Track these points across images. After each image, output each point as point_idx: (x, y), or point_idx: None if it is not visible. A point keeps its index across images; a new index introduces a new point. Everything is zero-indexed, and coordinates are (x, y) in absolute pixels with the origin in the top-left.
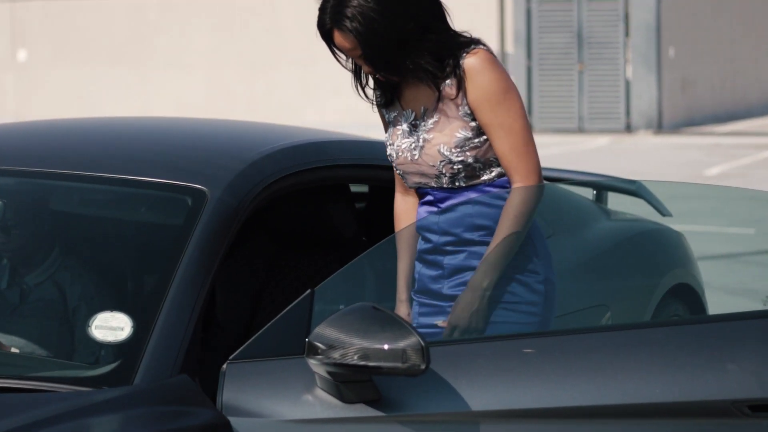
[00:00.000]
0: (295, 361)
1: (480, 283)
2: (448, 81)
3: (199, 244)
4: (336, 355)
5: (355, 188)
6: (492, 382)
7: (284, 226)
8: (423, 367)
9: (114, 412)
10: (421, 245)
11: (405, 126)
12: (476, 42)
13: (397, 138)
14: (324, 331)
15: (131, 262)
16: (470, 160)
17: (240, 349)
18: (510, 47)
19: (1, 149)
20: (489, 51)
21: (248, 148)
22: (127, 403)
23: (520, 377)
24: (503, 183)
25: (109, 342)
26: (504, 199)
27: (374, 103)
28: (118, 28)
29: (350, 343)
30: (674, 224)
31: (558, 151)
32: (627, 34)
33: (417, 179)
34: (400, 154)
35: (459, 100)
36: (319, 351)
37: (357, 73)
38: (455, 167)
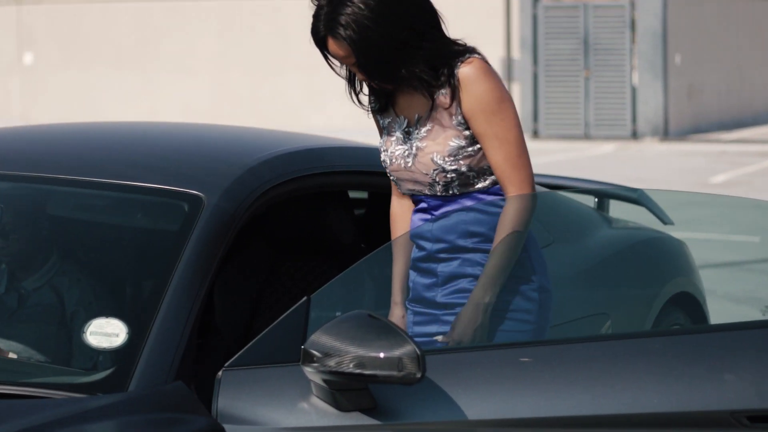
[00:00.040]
0: (290, 368)
1: (481, 298)
2: (442, 90)
3: (196, 250)
4: (332, 363)
5: (354, 194)
6: (489, 391)
7: (283, 233)
8: (419, 375)
9: (108, 419)
10: (415, 253)
11: (398, 133)
12: (471, 50)
13: (391, 145)
14: (320, 339)
15: (127, 268)
16: (464, 168)
17: (235, 357)
18: (516, 53)
19: (4, 154)
20: (484, 60)
21: (246, 154)
22: (121, 410)
23: (517, 386)
24: (497, 190)
25: (104, 348)
26: (498, 206)
27: (368, 109)
28: (125, 32)
29: (346, 351)
30: (679, 231)
31: (563, 158)
32: (633, 40)
33: (411, 186)
34: (393, 161)
35: (453, 110)
36: (315, 359)
37: (351, 80)
38: (448, 176)
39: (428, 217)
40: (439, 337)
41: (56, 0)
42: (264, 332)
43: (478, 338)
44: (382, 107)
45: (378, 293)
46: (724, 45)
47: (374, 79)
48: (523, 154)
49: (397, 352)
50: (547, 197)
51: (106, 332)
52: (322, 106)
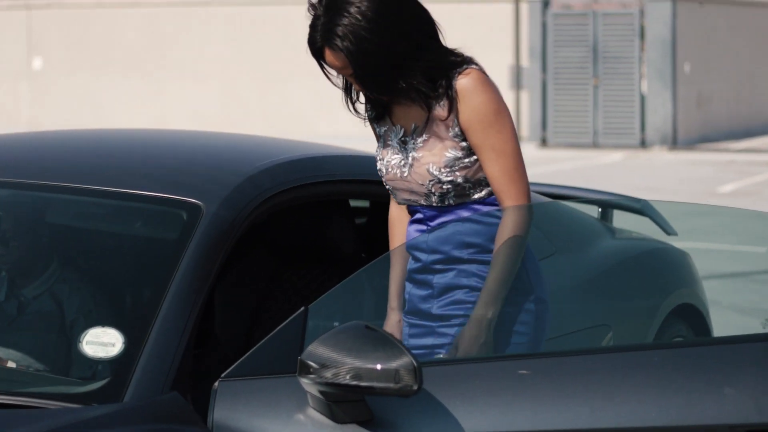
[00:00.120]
0: (287, 379)
1: (484, 314)
2: (439, 101)
3: (194, 259)
4: (328, 374)
5: (355, 203)
6: (486, 403)
7: (284, 241)
8: (415, 387)
9: (102, 430)
10: (411, 264)
11: (394, 142)
12: (468, 61)
13: (387, 154)
14: (316, 350)
15: (125, 277)
16: (460, 180)
17: (232, 367)
18: (525, 61)
19: (2, 161)
20: (481, 70)
21: (245, 162)
22: (116, 421)
23: (515, 399)
24: (493, 201)
25: (100, 358)
26: (494, 216)
27: (365, 118)
28: (134, 38)
29: (343, 363)
30: (685, 241)
31: (571, 166)
32: (642, 48)
33: (406, 196)
34: (389, 170)
35: (450, 121)
36: (312, 370)
37: (347, 89)
38: (444, 187)
39: (424, 228)
40: (442, 355)
41: (65, 5)
42: (261, 343)
43: (483, 355)
44: (379, 116)
45: (377, 303)
46: (733, 54)
47: (371, 91)
48: (519, 167)
49: (394, 364)
50: (549, 207)
51: (103, 342)
52: (329, 113)
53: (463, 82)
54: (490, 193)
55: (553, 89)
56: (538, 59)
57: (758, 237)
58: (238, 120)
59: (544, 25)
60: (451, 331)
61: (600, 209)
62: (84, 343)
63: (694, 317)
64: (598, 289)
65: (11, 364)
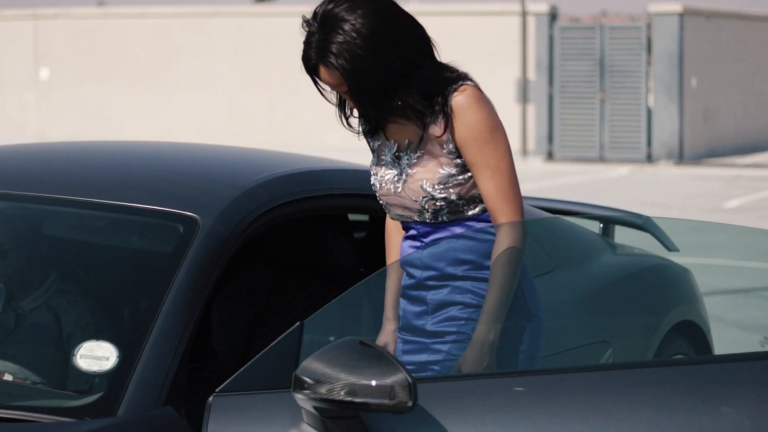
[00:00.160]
0: (282, 394)
1: (486, 337)
2: (434, 117)
3: (189, 272)
4: (323, 390)
5: (354, 217)
6: (481, 420)
7: (282, 255)
8: (410, 404)
9: None
10: (405, 281)
11: (388, 157)
12: (464, 77)
13: (381, 169)
14: (311, 366)
15: (120, 290)
16: (453, 197)
17: (226, 382)
18: (532, 74)
19: None
20: (477, 87)
21: (243, 176)
22: None
23: (511, 416)
24: (487, 218)
25: (94, 372)
26: (488, 233)
27: (359, 132)
28: (141, 49)
29: (337, 378)
30: (688, 257)
31: (577, 180)
32: (649, 62)
33: (400, 212)
34: (383, 185)
35: (445, 138)
36: (306, 386)
37: (341, 105)
38: (438, 203)
39: (418, 244)
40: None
41: (73, 15)
42: (256, 357)
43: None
44: (372, 130)
45: (374, 318)
46: (740, 69)
47: (366, 108)
48: (514, 184)
49: (388, 380)
50: (550, 223)
51: (97, 355)
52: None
53: (459, 99)
54: (484, 210)
55: (560, 103)
56: (544, 72)
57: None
58: (245, 131)
59: (551, 39)
60: (445, 347)
61: (601, 224)
62: (78, 356)
63: (694, 334)
64: (598, 305)
65: (8, 377)
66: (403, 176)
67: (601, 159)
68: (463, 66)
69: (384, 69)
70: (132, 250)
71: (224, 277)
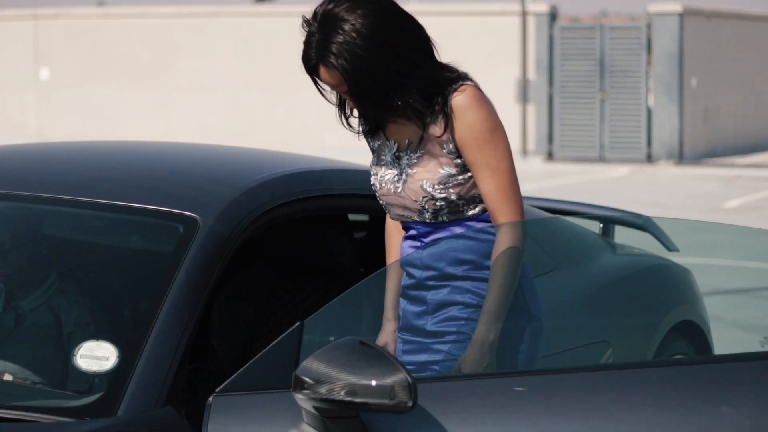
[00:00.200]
0: (282, 394)
1: (486, 337)
2: (434, 117)
3: (189, 272)
4: (323, 390)
5: (355, 217)
6: (481, 420)
7: (283, 255)
8: (410, 404)
9: None
10: (405, 281)
11: (388, 157)
12: (464, 77)
13: (381, 169)
14: (311, 366)
15: (120, 290)
16: (453, 197)
17: (226, 382)
18: (532, 74)
19: None
20: (476, 87)
21: (243, 176)
22: None
23: (511, 416)
24: (487, 218)
25: (94, 372)
26: (488, 233)
27: (359, 132)
28: (141, 49)
29: (337, 378)
30: (688, 257)
31: (577, 180)
32: (649, 62)
33: (400, 212)
34: (383, 185)
35: (445, 138)
36: (306, 386)
37: (341, 105)
38: (438, 203)
39: (418, 244)
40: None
41: (73, 15)
42: (256, 357)
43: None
44: (372, 130)
45: (374, 318)
46: (740, 69)
47: (366, 108)
48: (514, 184)
49: (388, 380)
50: (550, 223)
51: (97, 355)
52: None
53: (459, 99)
54: (484, 210)
55: (560, 103)
56: (544, 72)
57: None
58: (245, 131)
59: (551, 39)
60: (445, 347)
61: (601, 225)
62: (78, 356)
63: (694, 334)
64: (598, 305)
65: (8, 377)
66: (403, 176)
67: (601, 159)
68: (463, 66)
69: (384, 69)
70: (132, 250)
71: (224, 277)
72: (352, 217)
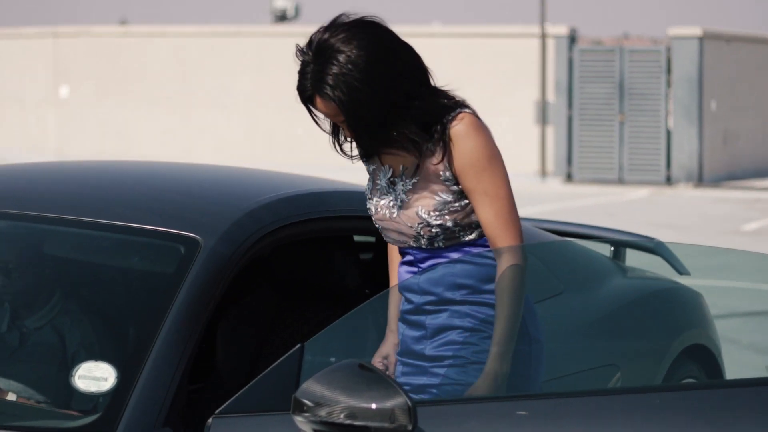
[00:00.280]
0: (282, 417)
1: (498, 369)
2: (431, 145)
3: (190, 294)
4: (322, 412)
5: (361, 239)
6: None
7: (288, 276)
8: (410, 427)
9: None
10: (404, 306)
11: (383, 182)
12: (461, 105)
13: (377, 193)
14: (311, 388)
15: (119, 311)
16: (449, 223)
17: (226, 404)
18: (551, 96)
19: (1, 192)
20: (474, 114)
21: (246, 197)
22: None
23: None
24: (484, 242)
25: (92, 392)
26: (486, 257)
27: (353, 158)
28: (161, 68)
29: (337, 401)
30: (704, 279)
31: (595, 202)
32: (669, 85)
33: (395, 237)
34: (378, 210)
35: (442, 165)
36: (306, 408)
37: (335, 132)
38: (433, 230)
39: (415, 269)
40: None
41: (93, 33)
42: (256, 379)
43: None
44: (367, 154)
45: (377, 341)
46: (760, 92)
47: (363, 140)
48: (513, 211)
49: (388, 404)
50: (559, 246)
51: (95, 376)
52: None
53: (458, 128)
54: (481, 235)
55: (579, 125)
56: (564, 95)
57: None
58: (264, 150)
59: (570, 61)
60: (444, 371)
61: (612, 248)
62: (76, 377)
63: (705, 358)
64: (607, 328)
65: (11, 396)
66: (399, 202)
67: (620, 181)
68: (483, 87)
69: (380, 100)
70: (133, 271)
71: (230, 298)
72: (358, 238)
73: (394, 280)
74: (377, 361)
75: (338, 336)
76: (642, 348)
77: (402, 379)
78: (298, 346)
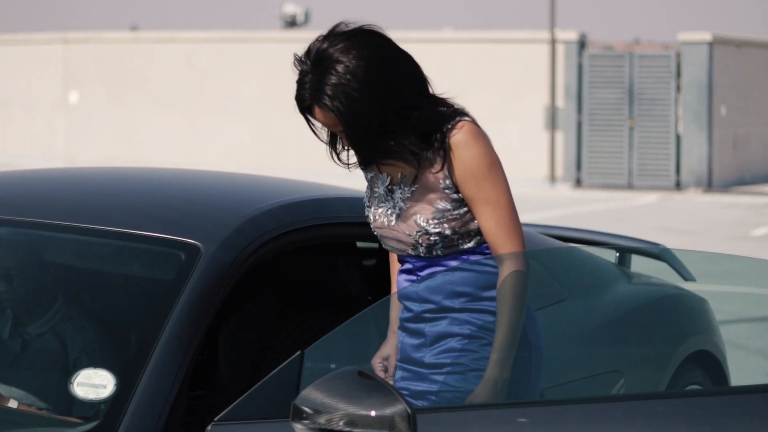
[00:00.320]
0: (281, 424)
1: (498, 376)
2: (430, 154)
3: (190, 300)
4: (322, 420)
5: (364, 245)
6: None
7: (290, 283)
8: None
9: None
10: (403, 314)
11: (381, 190)
12: (460, 113)
13: (374, 201)
14: (310, 395)
15: (119, 317)
16: (448, 231)
17: (226, 411)
18: (561, 101)
19: (2, 199)
20: (473, 122)
21: (247, 204)
22: None
23: None
24: (483, 250)
25: (91, 400)
26: (484, 264)
27: (350, 167)
28: (171, 73)
29: (336, 409)
30: (714, 283)
31: (605, 207)
32: (678, 90)
33: (394, 245)
34: (377, 218)
35: (441, 174)
36: (305, 415)
37: (332, 141)
38: (432, 238)
39: (413, 278)
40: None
41: (103, 39)
42: (255, 386)
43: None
44: (365, 162)
45: (378, 347)
46: None
47: (362, 151)
48: (514, 218)
49: (388, 411)
50: (564, 252)
51: (94, 383)
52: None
53: (457, 137)
54: (479, 243)
55: (589, 130)
56: (573, 100)
57: None
58: (273, 156)
59: (580, 67)
60: (443, 378)
61: (617, 254)
62: (75, 384)
63: (710, 364)
64: (612, 334)
65: (13, 403)
66: (397, 210)
67: (630, 186)
68: (493, 92)
69: (379, 111)
70: (134, 277)
71: (232, 304)
72: (361, 244)
73: (395, 287)
74: (377, 362)
75: (339, 342)
76: (646, 354)
77: (401, 384)
78: (298, 353)
